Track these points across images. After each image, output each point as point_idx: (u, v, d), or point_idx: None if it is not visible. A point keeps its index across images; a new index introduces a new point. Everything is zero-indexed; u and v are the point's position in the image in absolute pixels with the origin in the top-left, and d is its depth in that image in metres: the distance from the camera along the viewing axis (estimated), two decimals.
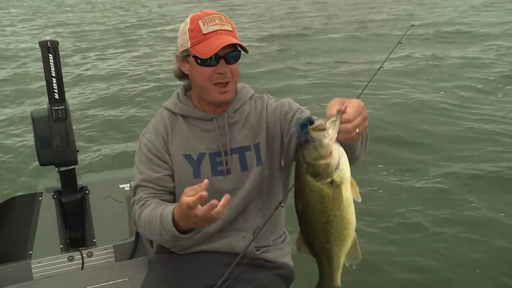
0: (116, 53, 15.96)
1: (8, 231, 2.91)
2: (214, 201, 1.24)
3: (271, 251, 1.73)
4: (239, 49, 1.57)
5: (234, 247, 1.67)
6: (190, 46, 1.54)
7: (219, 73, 1.54)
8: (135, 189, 1.66)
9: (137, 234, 2.72)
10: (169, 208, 1.44)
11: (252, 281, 1.61)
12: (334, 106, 1.16)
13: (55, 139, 2.82)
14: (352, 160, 1.37)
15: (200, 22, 1.53)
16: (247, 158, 1.64)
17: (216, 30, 1.52)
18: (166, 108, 1.70)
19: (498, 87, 8.53)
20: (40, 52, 2.78)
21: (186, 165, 1.61)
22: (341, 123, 1.15)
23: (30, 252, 2.73)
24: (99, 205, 3.11)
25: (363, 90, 1.78)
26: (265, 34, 15.83)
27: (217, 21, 1.53)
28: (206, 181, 1.28)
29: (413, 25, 2.06)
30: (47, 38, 2.80)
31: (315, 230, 1.26)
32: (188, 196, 1.26)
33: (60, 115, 2.83)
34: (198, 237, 1.61)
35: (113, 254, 2.75)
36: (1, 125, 8.36)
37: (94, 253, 2.71)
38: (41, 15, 28.40)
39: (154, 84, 10.78)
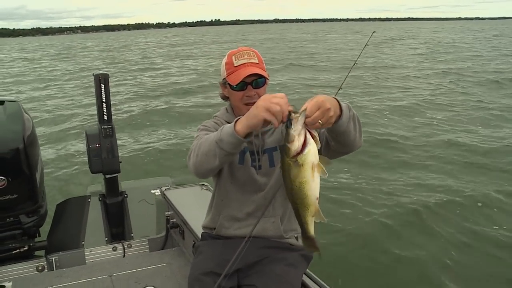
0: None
1: (65, 225, 3.41)
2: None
3: (295, 238, 2.01)
4: (264, 77, 1.88)
5: (267, 231, 1.96)
6: (226, 75, 1.91)
7: (248, 96, 1.88)
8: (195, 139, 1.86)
9: (167, 230, 3.22)
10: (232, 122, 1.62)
11: (283, 259, 1.92)
12: (304, 105, 1.45)
13: (103, 152, 3.33)
14: (350, 142, 1.68)
15: (233, 57, 1.90)
16: (274, 157, 1.94)
17: (244, 63, 1.87)
18: (217, 117, 2.04)
19: None
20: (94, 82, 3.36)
21: None
22: (305, 118, 1.43)
23: (83, 242, 3.19)
24: (135, 207, 3.58)
25: (338, 90, 2.10)
26: None
27: (245, 56, 1.88)
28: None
29: (374, 31, 2.34)
30: (100, 71, 3.37)
31: (286, 192, 1.55)
32: None
33: (108, 133, 3.36)
34: (238, 218, 1.95)
35: (148, 246, 3.23)
36: (59, 139, 9.43)
37: (132, 245, 3.20)
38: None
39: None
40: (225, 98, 2.03)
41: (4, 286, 2.60)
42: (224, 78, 1.94)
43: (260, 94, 1.89)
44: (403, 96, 13.54)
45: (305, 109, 1.45)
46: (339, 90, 2.14)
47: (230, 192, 2.00)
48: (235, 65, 1.89)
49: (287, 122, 1.47)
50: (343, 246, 4.65)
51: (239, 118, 1.61)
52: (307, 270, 2.07)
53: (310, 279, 2.06)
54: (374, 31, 2.42)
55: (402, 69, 20.45)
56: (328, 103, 1.47)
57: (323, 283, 2.03)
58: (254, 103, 1.78)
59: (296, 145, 1.45)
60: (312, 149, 1.46)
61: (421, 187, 6.36)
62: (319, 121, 1.46)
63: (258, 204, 1.96)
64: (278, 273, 1.85)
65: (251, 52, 1.92)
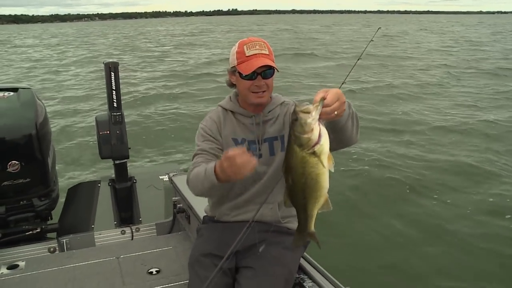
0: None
1: (76, 209, 3.52)
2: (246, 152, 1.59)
3: (292, 222, 2.04)
4: (273, 68, 1.92)
5: (265, 217, 2.01)
6: (236, 64, 1.93)
7: (256, 85, 1.91)
8: (193, 157, 2.02)
9: (174, 215, 3.30)
10: (213, 162, 1.77)
11: (280, 243, 1.97)
12: (319, 94, 1.46)
13: (113, 138, 3.42)
14: (346, 139, 1.73)
15: (245, 47, 1.92)
16: (274, 146, 2.00)
17: (256, 54, 1.89)
18: (220, 106, 2.11)
19: None
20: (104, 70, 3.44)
21: (233, 145, 1.99)
22: (322, 107, 1.43)
23: (93, 226, 3.29)
24: (144, 192, 3.66)
25: (343, 82, 2.13)
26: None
27: (257, 47, 1.91)
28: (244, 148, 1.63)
29: (380, 28, 2.42)
30: (110, 60, 3.44)
31: (296, 187, 1.51)
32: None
33: (118, 120, 3.44)
34: (238, 206, 2.02)
35: (155, 230, 3.33)
36: (71, 126, 9.63)
37: (140, 229, 3.29)
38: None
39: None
40: (232, 85, 2.07)
41: (18, 265, 2.72)
42: (234, 66, 1.96)
43: (268, 84, 1.94)
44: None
45: (322, 99, 1.44)
46: (342, 84, 2.17)
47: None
48: (246, 54, 1.91)
49: (294, 115, 1.46)
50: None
51: (220, 162, 1.69)
52: (305, 253, 2.13)
53: (308, 262, 2.12)
54: (380, 27, 2.44)
55: (402, 60, 21.11)
56: (343, 96, 1.50)
57: (320, 266, 2.08)
58: (262, 92, 1.92)
59: (316, 134, 1.42)
60: (327, 139, 1.46)
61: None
62: (335, 112, 1.47)
63: (257, 191, 2.02)
64: (274, 256, 1.92)
65: (262, 43, 1.95)
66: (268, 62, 1.90)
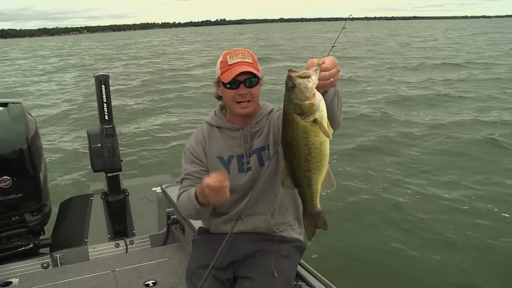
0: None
1: (69, 223, 3.49)
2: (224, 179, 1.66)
3: (287, 230, 2.05)
4: (258, 76, 1.89)
5: (258, 228, 2.01)
6: (220, 74, 1.92)
7: (240, 94, 1.89)
8: (181, 181, 2.06)
9: (168, 226, 3.28)
10: (193, 188, 1.86)
11: (276, 251, 1.96)
12: (313, 60, 1.42)
13: (105, 151, 3.41)
14: (332, 119, 1.61)
15: (228, 56, 1.91)
16: (263, 156, 1.98)
17: (238, 62, 1.87)
18: (206, 122, 2.09)
19: None
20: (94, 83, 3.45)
21: (219, 165, 2.00)
22: (320, 71, 1.38)
23: (86, 239, 3.27)
24: (137, 204, 3.65)
25: (333, 45, 1.95)
26: None
27: (240, 55, 1.89)
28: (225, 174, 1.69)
29: (351, 14, 2.44)
30: (101, 73, 3.43)
31: (298, 160, 1.48)
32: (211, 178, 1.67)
33: (109, 132, 3.44)
34: (232, 218, 1.97)
35: (149, 242, 3.31)
36: (62, 139, 9.52)
37: (135, 241, 3.27)
38: None
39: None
40: (219, 97, 2.05)
41: (11, 282, 2.68)
42: (218, 77, 1.95)
43: (252, 93, 1.91)
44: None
45: (319, 64, 1.39)
46: (330, 50, 2.09)
47: None
48: (229, 63, 1.90)
49: (290, 82, 1.39)
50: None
51: (199, 189, 1.79)
52: (301, 260, 2.13)
53: (305, 269, 2.13)
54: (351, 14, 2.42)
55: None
56: (339, 65, 1.47)
57: (317, 273, 2.09)
58: (246, 101, 1.90)
59: (318, 98, 1.37)
60: (324, 104, 1.41)
61: None
62: (331, 79, 1.42)
63: (249, 204, 1.98)
64: (271, 265, 1.91)
65: (245, 52, 1.93)
66: (249, 68, 1.87)
